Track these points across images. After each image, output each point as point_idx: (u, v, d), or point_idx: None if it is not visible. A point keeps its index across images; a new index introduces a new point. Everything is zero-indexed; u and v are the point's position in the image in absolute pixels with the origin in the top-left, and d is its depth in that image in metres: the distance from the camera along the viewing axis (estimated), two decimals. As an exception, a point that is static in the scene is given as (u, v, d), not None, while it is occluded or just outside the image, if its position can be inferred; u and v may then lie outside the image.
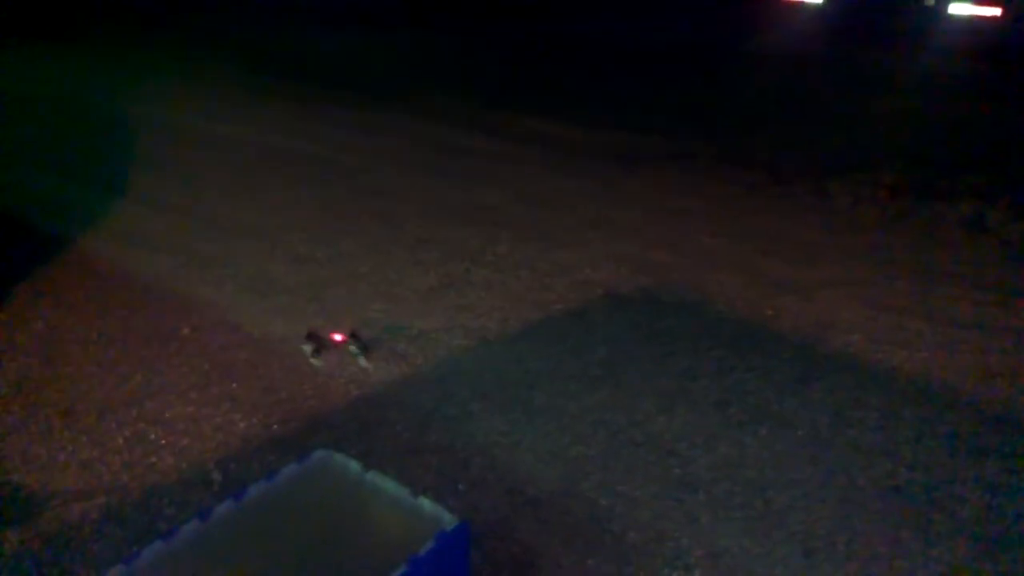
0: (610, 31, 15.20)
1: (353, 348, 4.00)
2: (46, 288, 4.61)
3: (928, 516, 2.89)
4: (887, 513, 2.90)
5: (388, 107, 9.43)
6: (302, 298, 4.54)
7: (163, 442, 3.19)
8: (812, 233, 5.61)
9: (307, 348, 3.99)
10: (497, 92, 10.42)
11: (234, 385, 3.64)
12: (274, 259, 5.09)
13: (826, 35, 13.84)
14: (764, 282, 4.83)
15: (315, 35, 14.65)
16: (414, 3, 17.58)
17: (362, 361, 3.99)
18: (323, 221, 5.76)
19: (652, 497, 2.97)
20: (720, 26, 14.88)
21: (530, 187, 6.60)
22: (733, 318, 4.41)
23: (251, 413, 3.42)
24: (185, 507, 2.80)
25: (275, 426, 3.35)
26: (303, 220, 5.78)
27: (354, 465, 2.51)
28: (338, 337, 4.11)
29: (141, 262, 5.02)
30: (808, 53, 12.99)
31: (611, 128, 8.42)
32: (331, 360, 3.91)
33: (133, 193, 6.33)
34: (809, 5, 15.03)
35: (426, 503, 2.35)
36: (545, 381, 3.76)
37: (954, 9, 13.77)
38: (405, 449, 3.21)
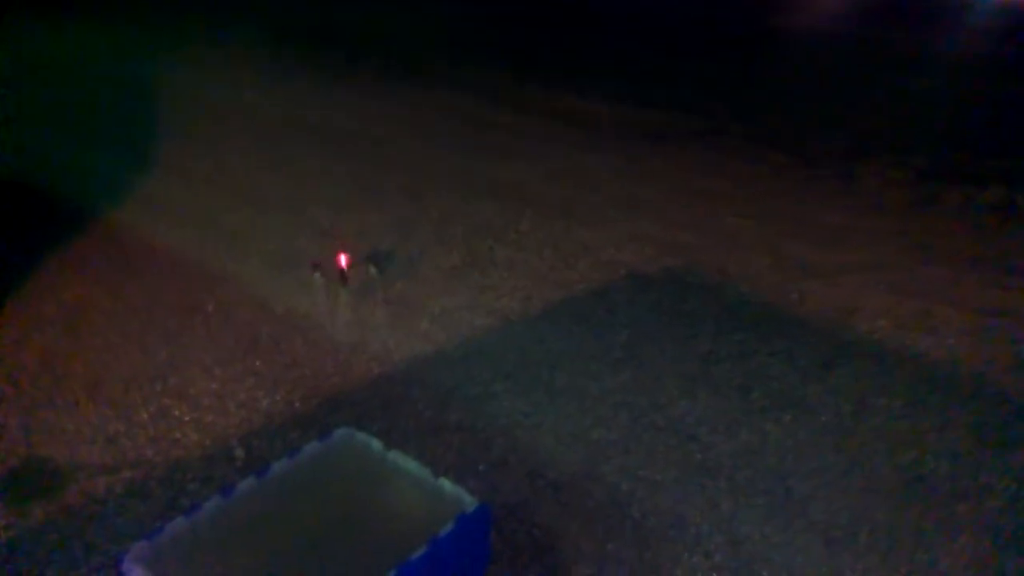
0: (638, 4, 14.98)
1: (359, 264, 4.10)
2: (72, 259, 4.65)
3: (953, 507, 2.86)
4: (911, 503, 2.88)
5: (414, 79, 9.37)
6: (327, 274, 4.54)
7: (187, 418, 3.22)
8: (838, 216, 5.53)
9: (317, 276, 4.08)
10: (523, 65, 10.31)
11: (257, 362, 3.66)
12: (299, 233, 5.08)
13: (857, 14, 13.57)
14: (789, 265, 4.78)
15: (341, 5, 14.53)
16: None
17: (372, 270, 4.19)
18: (348, 194, 5.75)
19: (673, 482, 2.96)
20: (750, 2, 14.64)
21: (554, 163, 6.55)
22: (757, 301, 4.37)
23: (274, 389, 3.44)
24: (208, 483, 2.82)
25: (297, 403, 3.36)
26: (328, 193, 5.77)
27: (376, 444, 2.52)
28: (343, 260, 4.19)
29: (166, 234, 5.04)
30: (838, 32, 12.75)
31: (636, 104, 8.33)
32: (353, 327, 3.92)
33: (158, 163, 6.35)
34: None
35: (447, 484, 2.36)
36: (567, 362, 3.75)
37: None
38: (427, 428, 3.22)
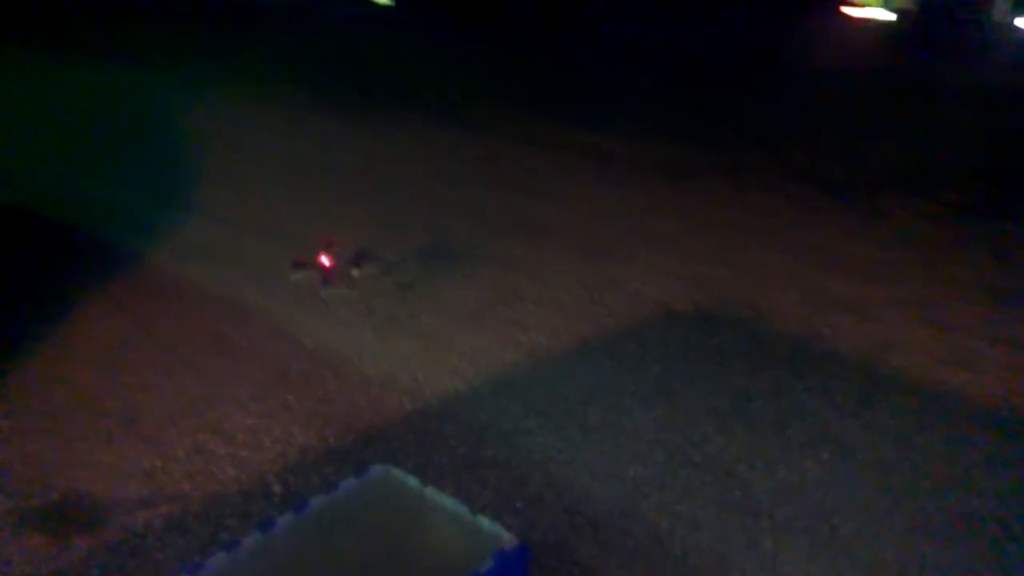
0: (668, 41, 15.04)
1: (341, 264, 4.42)
2: (106, 297, 4.68)
3: (1003, 547, 2.80)
4: (959, 542, 2.82)
5: (435, 118, 9.47)
6: (355, 311, 4.56)
7: (223, 453, 3.22)
8: (868, 249, 5.50)
9: (297, 275, 4.27)
10: (544, 102, 10.41)
11: (290, 397, 3.66)
12: (327, 270, 5.10)
13: (895, 50, 13.59)
14: (819, 299, 4.75)
15: (355, 40, 14.72)
16: (463, 10, 17.60)
17: (355, 272, 4.41)
18: (373, 231, 5.75)
19: (713, 520, 2.92)
20: (785, 39, 14.67)
21: (578, 199, 6.58)
22: (788, 336, 4.34)
23: (308, 425, 3.44)
24: (246, 518, 2.81)
25: (331, 438, 3.36)
26: (353, 230, 5.75)
27: (412, 480, 2.50)
28: (326, 260, 4.25)
29: (195, 270, 5.07)
30: (874, 68, 12.78)
31: (661, 139, 8.37)
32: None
33: (186, 200, 6.41)
34: (880, 21, 14.81)
35: (484, 521, 2.34)
36: (599, 398, 3.73)
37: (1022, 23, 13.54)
38: (461, 464, 3.20)
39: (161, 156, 7.82)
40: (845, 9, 14.86)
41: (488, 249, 5.46)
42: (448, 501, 2.44)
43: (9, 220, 5.99)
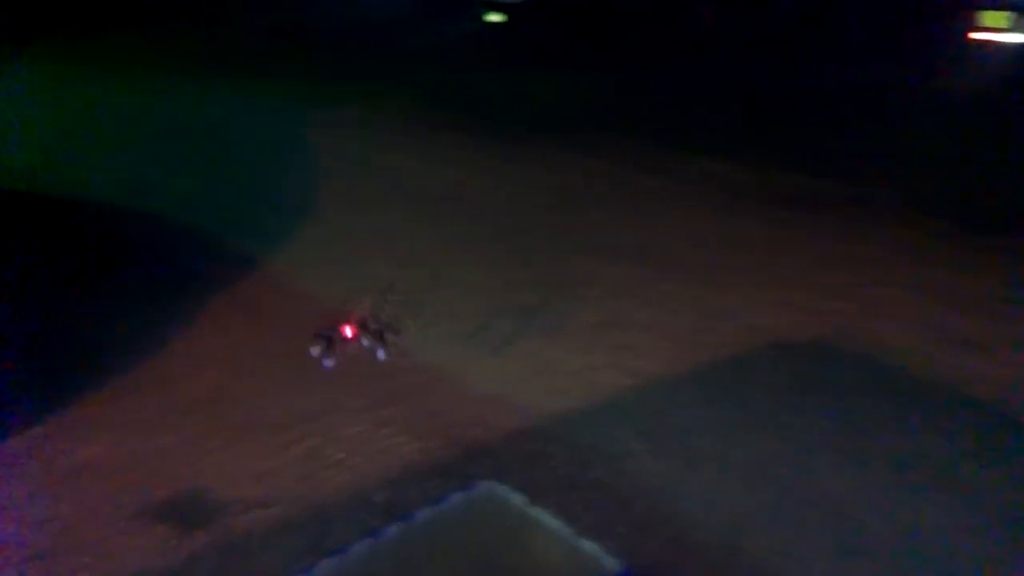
0: (789, 73, 14.59)
1: (366, 342, 4.03)
2: (234, 303, 4.90)
3: None
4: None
5: (556, 144, 9.44)
6: (469, 327, 4.61)
7: (332, 460, 3.31)
8: (1009, 290, 5.17)
9: (316, 350, 4.01)
10: (667, 132, 10.26)
11: (397, 410, 3.73)
12: (440, 288, 5.17)
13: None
14: (951, 339, 4.50)
15: (480, 74, 14.94)
16: (584, 44, 17.67)
17: (380, 354, 4.02)
18: (491, 254, 5.83)
19: (827, 559, 2.80)
20: (908, 66, 14.02)
21: (698, 228, 6.46)
22: (914, 376, 4.12)
23: (416, 437, 3.50)
24: (352, 524, 2.87)
25: (436, 451, 3.40)
26: (471, 252, 5.85)
27: (517, 499, 2.50)
28: (349, 332, 4.15)
29: (317, 281, 5.24)
30: (1003, 95, 12.09)
31: (784, 170, 8.12)
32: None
33: (309, 215, 6.62)
34: (1008, 44, 13.96)
35: (589, 545, 2.31)
36: (708, 427, 3.65)
37: None
38: (564, 484, 3.19)
39: (271, 171, 8.13)
40: (973, 35, 14.05)
41: (604, 273, 5.42)
42: (552, 522, 2.42)
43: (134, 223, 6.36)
